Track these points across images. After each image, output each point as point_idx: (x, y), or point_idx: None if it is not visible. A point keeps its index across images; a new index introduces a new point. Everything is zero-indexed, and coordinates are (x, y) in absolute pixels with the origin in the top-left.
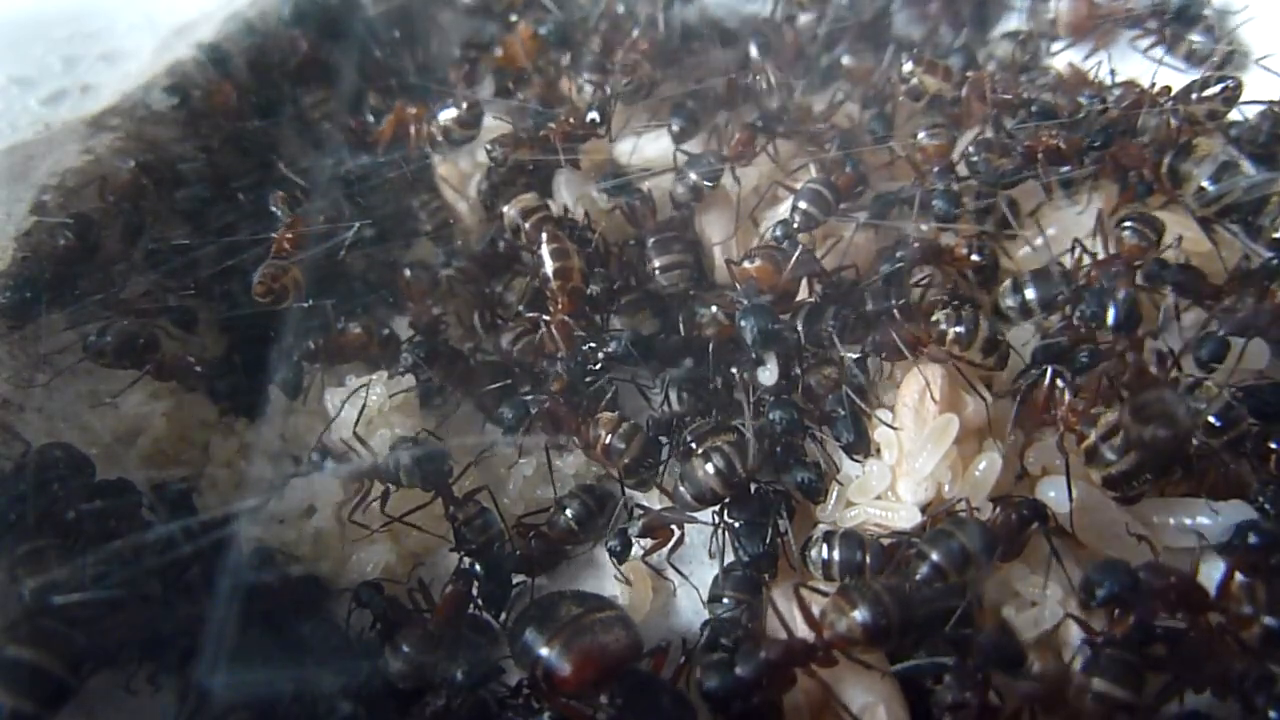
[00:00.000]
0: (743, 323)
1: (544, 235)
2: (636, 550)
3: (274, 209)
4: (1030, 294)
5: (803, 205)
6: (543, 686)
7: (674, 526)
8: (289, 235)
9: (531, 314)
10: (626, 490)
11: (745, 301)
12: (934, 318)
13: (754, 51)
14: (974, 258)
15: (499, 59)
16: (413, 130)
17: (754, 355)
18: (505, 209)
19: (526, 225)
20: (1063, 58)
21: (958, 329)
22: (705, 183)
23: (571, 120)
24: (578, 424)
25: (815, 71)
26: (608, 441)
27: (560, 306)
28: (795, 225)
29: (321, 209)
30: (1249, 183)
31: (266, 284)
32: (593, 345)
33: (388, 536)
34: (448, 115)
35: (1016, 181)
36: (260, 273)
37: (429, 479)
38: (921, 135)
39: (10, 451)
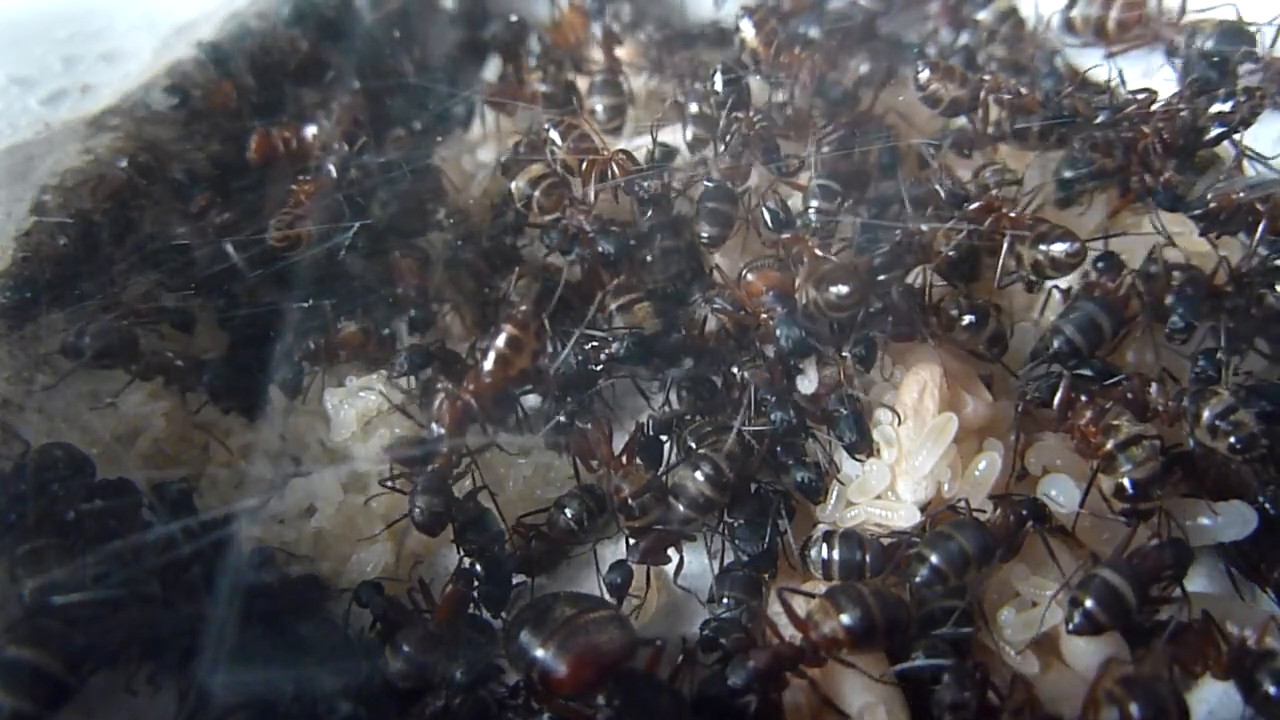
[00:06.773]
0: (780, 331)
1: (504, 330)
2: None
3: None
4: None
5: (815, 204)
6: (539, 688)
7: (672, 549)
8: (306, 189)
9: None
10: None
11: (780, 310)
12: (944, 302)
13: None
14: (950, 253)
15: (553, 36)
16: (295, 146)
17: (792, 364)
18: (514, 182)
19: (537, 194)
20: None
21: (969, 318)
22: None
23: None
24: (608, 456)
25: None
26: (625, 498)
27: (473, 386)
28: (813, 225)
29: (322, 207)
30: (1248, 185)
31: (283, 230)
32: (595, 345)
33: (388, 536)
34: (311, 131)
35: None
36: (276, 219)
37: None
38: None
39: (10, 451)
